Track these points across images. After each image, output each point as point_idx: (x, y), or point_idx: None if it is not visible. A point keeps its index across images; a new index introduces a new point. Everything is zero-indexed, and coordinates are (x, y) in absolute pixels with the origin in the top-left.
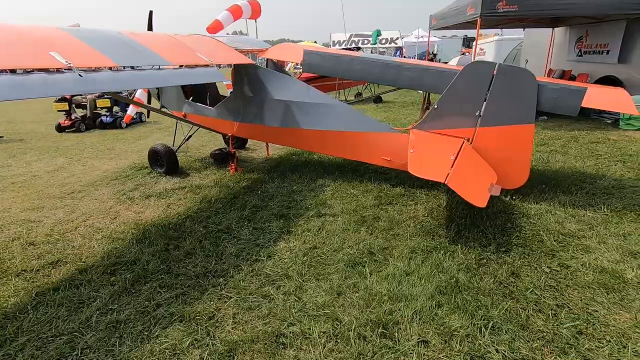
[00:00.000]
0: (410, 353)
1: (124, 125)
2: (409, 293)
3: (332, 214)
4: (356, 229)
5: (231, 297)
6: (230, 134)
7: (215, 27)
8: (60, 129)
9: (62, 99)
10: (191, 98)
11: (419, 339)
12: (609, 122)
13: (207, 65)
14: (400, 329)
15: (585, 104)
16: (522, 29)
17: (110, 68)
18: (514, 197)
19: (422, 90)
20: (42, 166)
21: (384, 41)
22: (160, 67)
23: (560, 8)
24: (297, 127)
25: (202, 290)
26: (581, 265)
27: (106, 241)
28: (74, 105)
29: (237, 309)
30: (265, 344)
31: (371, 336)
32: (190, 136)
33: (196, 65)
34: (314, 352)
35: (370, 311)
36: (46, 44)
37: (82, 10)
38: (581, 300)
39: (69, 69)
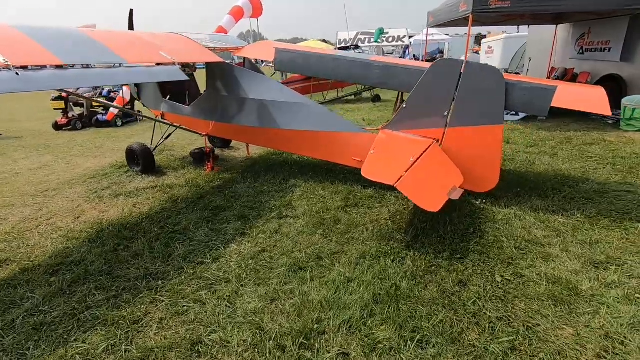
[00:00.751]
0: None
1: (119, 123)
2: (344, 301)
3: (293, 216)
4: (312, 232)
5: (163, 301)
6: (205, 133)
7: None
8: (57, 127)
9: (59, 98)
10: (168, 97)
11: (339, 350)
12: (610, 122)
13: (168, 64)
14: (324, 339)
15: (556, 103)
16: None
17: (56, 66)
18: (484, 201)
19: (390, 88)
20: (27, 164)
21: (390, 39)
22: (119, 65)
23: (553, 4)
24: (269, 126)
25: (137, 293)
26: (537, 274)
27: (61, 240)
28: (71, 104)
29: (166, 313)
30: (181, 351)
31: (290, 346)
32: (169, 135)
33: (157, 64)
34: None
35: (298, 319)
36: None
37: (99, 10)
38: (525, 313)
39: (6, 67)
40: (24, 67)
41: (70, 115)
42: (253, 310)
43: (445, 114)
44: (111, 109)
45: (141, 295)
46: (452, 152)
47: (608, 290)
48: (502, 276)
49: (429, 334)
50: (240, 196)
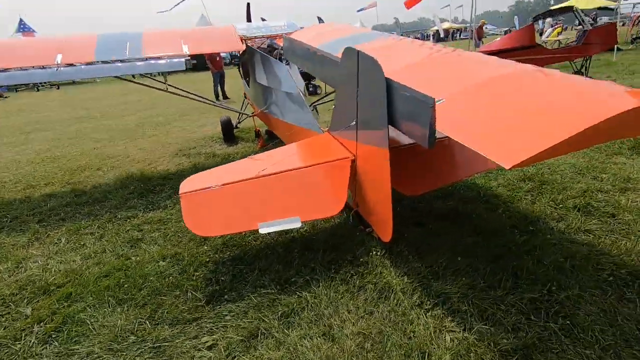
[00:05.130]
0: None
1: (319, 92)
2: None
3: None
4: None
5: None
6: (253, 114)
7: (412, 0)
8: None
9: None
10: (247, 78)
11: None
12: None
13: (177, 56)
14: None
15: (446, 129)
16: None
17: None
18: (380, 252)
19: (324, 82)
20: (201, 122)
21: None
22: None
23: None
24: (270, 114)
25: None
26: None
27: (110, 179)
28: None
29: None
30: None
31: None
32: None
33: (167, 57)
34: None
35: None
36: (58, 49)
37: None
38: None
39: (57, 65)
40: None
41: None
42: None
43: (353, 123)
44: None
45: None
46: (362, 178)
47: None
48: None
49: None
50: None
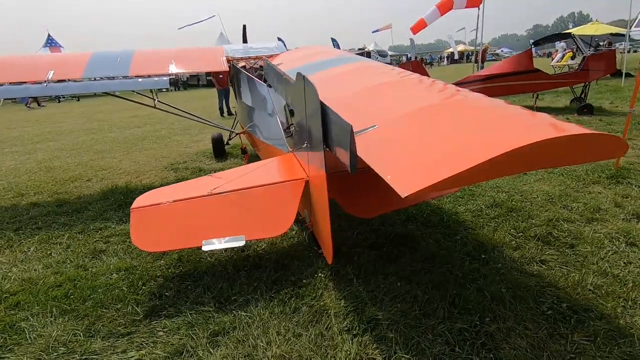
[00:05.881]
0: None
1: None
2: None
3: None
4: None
5: None
6: (240, 132)
7: (418, 26)
8: None
9: None
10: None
11: None
12: None
13: (163, 75)
14: None
15: (365, 154)
16: None
17: (76, 80)
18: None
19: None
20: (201, 138)
21: None
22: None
23: None
24: (250, 132)
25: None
26: None
27: (95, 189)
28: None
29: None
30: None
31: None
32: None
33: (152, 75)
34: None
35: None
36: (52, 66)
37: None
38: None
39: (47, 81)
40: (62, 80)
41: None
42: None
43: (305, 145)
44: None
45: None
46: (312, 200)
47: None
48: None
49: None
50: None
